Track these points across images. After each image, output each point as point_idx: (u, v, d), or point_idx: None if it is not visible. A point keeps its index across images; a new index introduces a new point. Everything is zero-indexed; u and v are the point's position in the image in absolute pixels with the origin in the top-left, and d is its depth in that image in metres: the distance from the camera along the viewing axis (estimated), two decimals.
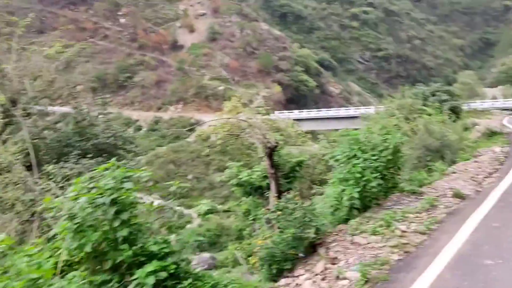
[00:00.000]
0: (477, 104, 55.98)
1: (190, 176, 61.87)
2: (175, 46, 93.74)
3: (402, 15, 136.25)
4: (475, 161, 10.91)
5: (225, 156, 52.70)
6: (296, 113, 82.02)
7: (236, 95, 14.16)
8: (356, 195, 6.82)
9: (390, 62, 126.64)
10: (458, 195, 7.70)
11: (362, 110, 54.05)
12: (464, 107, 40.86)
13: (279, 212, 6.16)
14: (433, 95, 32.32)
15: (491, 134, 17.37)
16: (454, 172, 9.79)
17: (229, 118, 12.60)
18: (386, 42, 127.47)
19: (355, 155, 7.66)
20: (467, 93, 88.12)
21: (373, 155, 7.69)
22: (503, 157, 11.69)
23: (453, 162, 12.20)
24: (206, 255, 25.17)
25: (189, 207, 48.88)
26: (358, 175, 6.97)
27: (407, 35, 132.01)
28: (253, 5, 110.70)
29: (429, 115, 26.01)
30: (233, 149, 19.99)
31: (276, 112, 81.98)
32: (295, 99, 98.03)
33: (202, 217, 40.66)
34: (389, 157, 7.65)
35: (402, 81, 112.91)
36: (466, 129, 21.34)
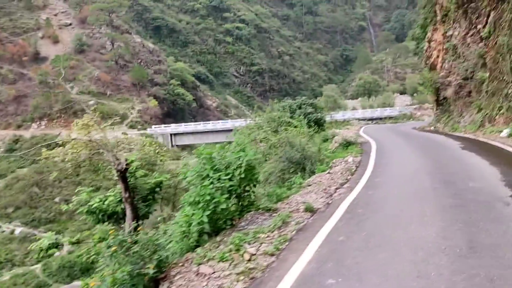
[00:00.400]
0: (338, 116, 61.26)
1: (57, 199, 56.34)
2: (37, 58, 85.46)
3: (272, 32, 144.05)
4: (329, 173, 11.42)
5: (98, 175, 48.91)
6: (173, 127, 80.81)
7: (90, 111, 12.89)
8: (205, 219, 6.40)
9: (264, 76, 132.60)
10: (309, 209, 7.78)
11: (238, 123, 55.26)
12: (327, 118, 44.30)
13: (114, 248, 5.43)
14: (299, 108, 34.26)
15: (347, 144, 18.61)
16: (309, 185, 10.06)
17: (73, 139, 11.40)
18: (259, 57, 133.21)
19: (207, 175, 7.30)
20: (331, 105, 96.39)
21: (227, 174, 7.41)
22: (355, 167, 12.44)
23: (313, 173, 12.69)
24: (77, 283, 22.78)
25: (58, 232, 44.36)
26: (208, 197, 6.58)
27: (277, 51, 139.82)
28: (124, 16, 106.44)
29: (295, 127, 27.49)
30: (88, 171, 18.35)
31: (153, 126, 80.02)
32: (172, 113, 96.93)
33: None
34: (242, 175, 7.45)
35: (275, 94, 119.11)
36: (326, 140, 22.77)
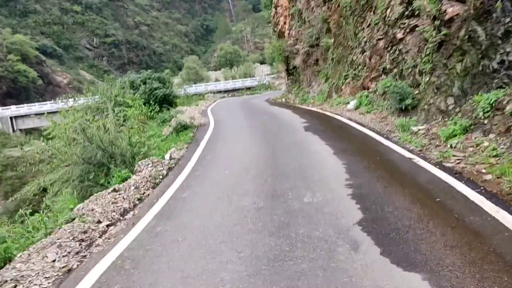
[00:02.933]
0: (193, 89, 57.68)
1: None
2: None
3: (126, 1, 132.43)
4: (121, 187, 7.61)
5: None
6: (13, 109, 68.82)
7: None
8: None
9: (121, 49, 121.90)
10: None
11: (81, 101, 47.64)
12: (182, 92, 40.29)
13: None
14: (144, 83, 29.58)
15: (182, 129, 15.02)
16: (72, 219, 6.13)
17: None
18: (113, 28, 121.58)
19: None
20: (193, 77, 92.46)
21: None
22: (166, 171, 8.86)
23: (124, 180, 8.83)
24: None
25: None
26: None
27: (134, 21, 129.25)
28: None
29: (130, 107, 22.95)
30: None
31: None
32: (14, 93, 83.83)
33: None
34: None
35: (135, 67, 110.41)
36: (164, 122, 18.88)
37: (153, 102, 26.57)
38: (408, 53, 12.79)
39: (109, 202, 6.64)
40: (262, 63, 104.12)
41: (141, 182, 7.77)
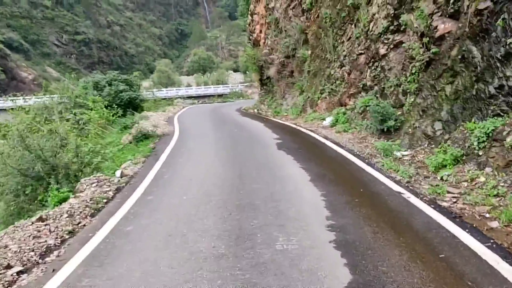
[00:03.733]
0: (163, 93, 55.88)
1: None
2: None
3: None
4: (51, 214, 6.17)
5: None
6: None
7: None
8: None
9: (91, 47, 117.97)
10: None
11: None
12: (150, 96, 38.52)
13: None
14: (110, 85, 27.81)
15: (143, 138, 13.59)
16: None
17: None
18: (84, 26, 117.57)
19: None
20: (165, 81, 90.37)
21: None
22: (113, 192, 7.46)
23: (63, 201, 7.36)
24: None
25: None
26: None
27: (106, 20, 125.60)
28: None
29: (91, 109, 21.23)
30: None
31: None
32: None
33: None
34: None
35: (105, 67, 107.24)
36: (125, 128, 17.32)
37: (117, 106, 24.89)
38: (391, 70, 11.92)
39: (30, 236, 5.21)
40: (235, 71, 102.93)
41: (79, 207, 6.35)
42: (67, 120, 21.31)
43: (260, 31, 26.35)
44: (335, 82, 15.73)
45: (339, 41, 15.68)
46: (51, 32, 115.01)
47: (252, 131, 14.43)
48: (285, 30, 22.22)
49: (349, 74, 14.58)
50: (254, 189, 7.00)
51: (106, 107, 24.34)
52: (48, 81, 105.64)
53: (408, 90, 10.70)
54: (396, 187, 6.78)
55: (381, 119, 10.77)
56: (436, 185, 6.78)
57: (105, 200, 6.90)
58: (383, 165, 8.42)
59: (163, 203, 6.65)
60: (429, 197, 6.24)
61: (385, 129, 10.72)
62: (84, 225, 5.88)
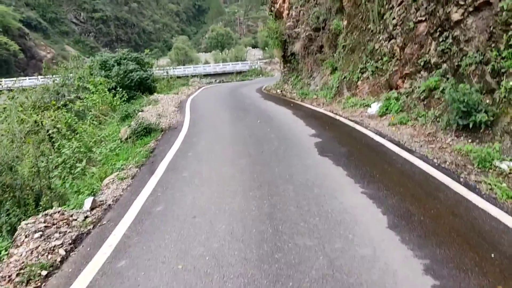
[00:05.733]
0: (181, 71, 52.90)
1: None
2: None
3: None
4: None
5: None
6: None
7: None
8: None
9: (109, 25, 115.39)
10: None
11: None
12: (165, 74, 35.43)
13: None
14: (119, 64, 24.92)
15: (144, 132, 10.69)
16: None
17: None
18: (102, 3, 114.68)
19: None
20: (183, 58, 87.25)
21: None
22: (68, 247, 4.56)
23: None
24: None
25: None
26: None
27: None
28: None
29: (93, 93, 18.37)
30: None
31: None
32: None
33: None
34: None
35: (123, 45, 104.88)
36: (127, 117, 14.39)
37: (126, 87, 22.03)
38: (469, 42, 8.55)
39: None
40: (254, 47, 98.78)
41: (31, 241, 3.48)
42: (63, 106, 18.59)
43: (284, 1, 22.81)
44: (381, 59, 12.39)
45: (387, 6, 12.24)
46: (69, 10, 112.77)
47: (279, 123, 11.28)
48: None
49: (402, 48, 11.22)
50: (301, 255, 3.97)
51: (114, 88, 21.57)
52: (67, 60, 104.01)
53: (503, 70, 7.39)
54: None
55: (464, 110, 7.53)
56: None
57: (44, 273, 3.99)
58: (491, 189, 5.31)
59: (144, 280, 3.71)
60: None
61: (470, 125, 7.49)
62: None
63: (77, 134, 12.29)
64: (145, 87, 25.21)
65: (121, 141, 10.94)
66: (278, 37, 22.19)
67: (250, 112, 13.74)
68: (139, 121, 11.24)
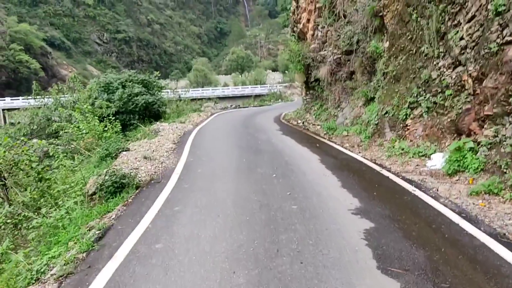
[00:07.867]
0: (199, 93, 50.52)
1: None
2: None
3: None
4: None
5: None
6: (7, 101, 62.55)
7: None
8: None
9: (131, 46, 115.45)
10: None
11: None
12: (180, 97, 32.90)
13: None
14: (123, 87, 22.19)
15: (114, 189, 7.54)
16: None
17: None
18: (125, 24, 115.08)
19: None
20: (202, 79, 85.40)
21: None
22: None
23: None
24: None
25: None
26: None
27: (146, 18, 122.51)
28: None
29: (80, 121, 15.44)
30: None
31: None
32: (13, 83, 78.85)
33: None
34: None
35: (145, 66, 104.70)
36: (107, 156, 11.28)
37: (125, 114, 19.25)
38: None
39: None
40: (274, 70, 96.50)
41: None
42: (54, 133, 15.82)
43: (308, 20, 19.83)
44: (441, 92, 9.08)
45: (450, 23, 9.00)
46: (92, 31, 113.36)
47: (303, 181, 7.91)
48: (344, 15, 15.64)
49: (477, 79, 7.91)
50: None
51: (114, 114, 18.79)
52: (88, 79, 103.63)
53: None
54: None
55: None
56: None
57: None
58: None
59: None
60: None
61: None
62: None
63: (43, 180, 9.29)
64: (152, 112, 22.43)
65: (84, 197, 7.82)
66: (301, 60, 19.12)
67: (263, 156, 10.47)
68: (111, 170, 8.11)
